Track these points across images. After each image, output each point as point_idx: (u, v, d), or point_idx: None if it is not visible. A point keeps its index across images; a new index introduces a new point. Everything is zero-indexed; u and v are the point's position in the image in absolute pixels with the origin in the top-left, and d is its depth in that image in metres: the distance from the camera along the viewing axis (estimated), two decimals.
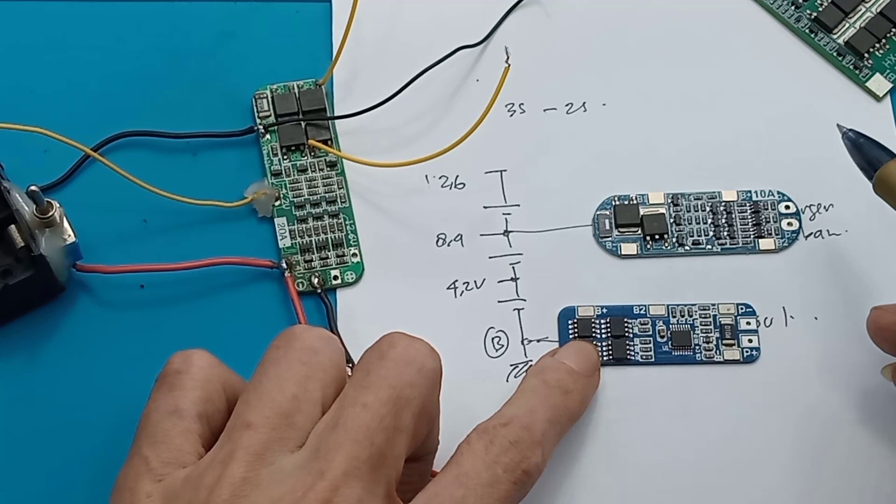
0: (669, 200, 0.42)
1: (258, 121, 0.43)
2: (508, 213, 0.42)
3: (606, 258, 0.41)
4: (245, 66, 0.44)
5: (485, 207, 0.42)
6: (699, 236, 0.41)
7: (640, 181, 0.42)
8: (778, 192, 0.42)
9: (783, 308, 0.40)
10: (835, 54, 0.44)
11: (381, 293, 0.41)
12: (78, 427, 0.38)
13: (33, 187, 0.37)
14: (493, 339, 0.40)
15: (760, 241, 0.41)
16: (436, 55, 0.43)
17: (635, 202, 0.42)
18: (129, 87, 0.43)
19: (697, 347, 0.40)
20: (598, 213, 0.42)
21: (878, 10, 0.45)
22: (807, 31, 0.45)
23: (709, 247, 0.41)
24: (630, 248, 0.41)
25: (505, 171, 0.42)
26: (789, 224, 0.42)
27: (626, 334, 0.40)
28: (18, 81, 0.43)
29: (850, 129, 0.39)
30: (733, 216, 0.42)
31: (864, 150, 0.38)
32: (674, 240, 0.41)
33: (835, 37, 0.45)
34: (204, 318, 0.40)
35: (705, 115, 0.43)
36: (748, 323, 0.40)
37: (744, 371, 0.39)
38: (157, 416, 0.32)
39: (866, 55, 0.44)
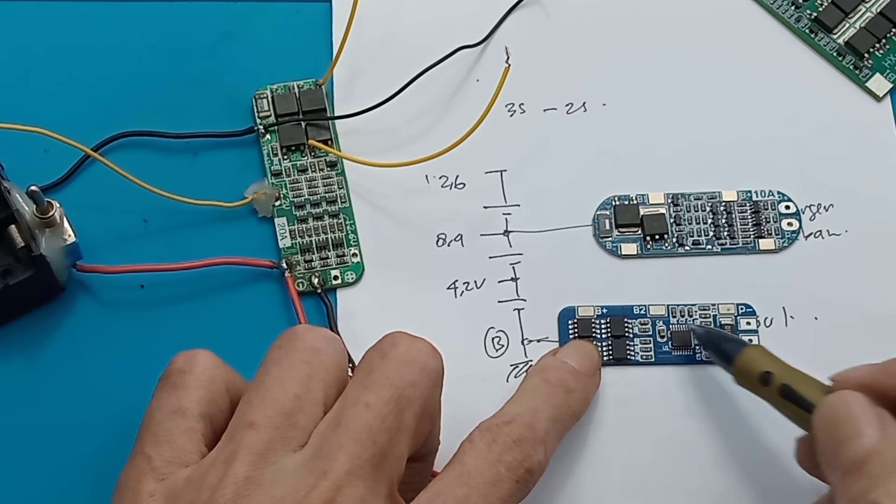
0: (669, 200, 0.42)
1: (258, 121, 0.43)
2: (508, 213, 0.42)
3: (606, 258, 0.41)
4: (245, 66, 0.44)
5: (485, 207, 0.42)
6: (699, 236, 0.41)
7: (640, 181, 0.42)
8: (778, 192, 0.42)
9: (783, 308, 0.40)
10: (835, 54, 0.44)
11: (381, 293, 0.41)
12: (78, 427, 0.38)
13: (33, 187, 0.37)
14: (493, 339, 0.40)
15: (760, 241, 0.41)
16: (436, 55, 0.43)
17: (635, 202, 0.42)
18: (129, 87, 0.43)
19: (697, 347, 0.40)
20: (598, 213, 0.42)
21: (878, 10, 0.45)
22: (807, 31, 0.45)
23: (709, 247, 0.41)
24: (630, 248, 0.41)
25: (505, 171, 0.42)
26: (789, 224, 0.42)
27: (626, 334, 0.40)
28: (18, 81, 0.43)
29: (698, 325, 0.39)
30: (733, 216, 0.42)
31: (717, 344, 0.38)
32: (674, 240, 0.41)
33: (835, 37, 0.45)
34: (204, 318, 0.40)
35: (705, 115, 0.43)
36: (748, 323, 0.40)
37: None
38: (160, 415, 0.32)
39: (866, 55, 0.44)
